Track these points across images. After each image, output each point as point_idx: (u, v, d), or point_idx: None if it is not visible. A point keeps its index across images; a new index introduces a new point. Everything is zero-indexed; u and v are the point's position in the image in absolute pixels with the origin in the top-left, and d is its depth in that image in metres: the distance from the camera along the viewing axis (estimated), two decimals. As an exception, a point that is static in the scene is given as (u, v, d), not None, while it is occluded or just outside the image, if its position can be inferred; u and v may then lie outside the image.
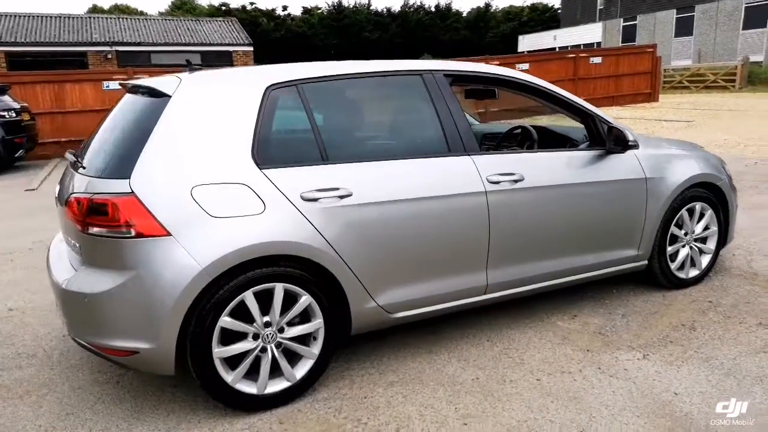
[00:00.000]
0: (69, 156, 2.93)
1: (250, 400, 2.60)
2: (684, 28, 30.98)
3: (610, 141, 3.36)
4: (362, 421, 2.56)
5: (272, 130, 2.66)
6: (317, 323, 2.69)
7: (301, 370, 2.70)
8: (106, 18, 26.38)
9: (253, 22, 41.91)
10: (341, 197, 2.65)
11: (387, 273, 2.82)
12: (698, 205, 3.79)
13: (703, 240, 3.92)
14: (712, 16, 29.27)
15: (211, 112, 2.58)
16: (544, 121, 5.55)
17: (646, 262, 3.68)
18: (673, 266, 3.78)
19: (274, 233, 2.52)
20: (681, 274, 3.83)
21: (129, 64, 22.04)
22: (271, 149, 2.64)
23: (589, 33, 37.20)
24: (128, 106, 2.87)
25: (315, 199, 2.61)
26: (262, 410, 2.64)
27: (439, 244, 2.93)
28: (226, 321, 2.48)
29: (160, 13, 40.77)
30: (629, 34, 34.32)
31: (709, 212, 3.86)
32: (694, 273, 3.89)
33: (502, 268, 3.12)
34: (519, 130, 3.96)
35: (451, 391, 2.76)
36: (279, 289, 2.57)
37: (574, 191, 3.28)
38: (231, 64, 24.70)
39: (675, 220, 3.70)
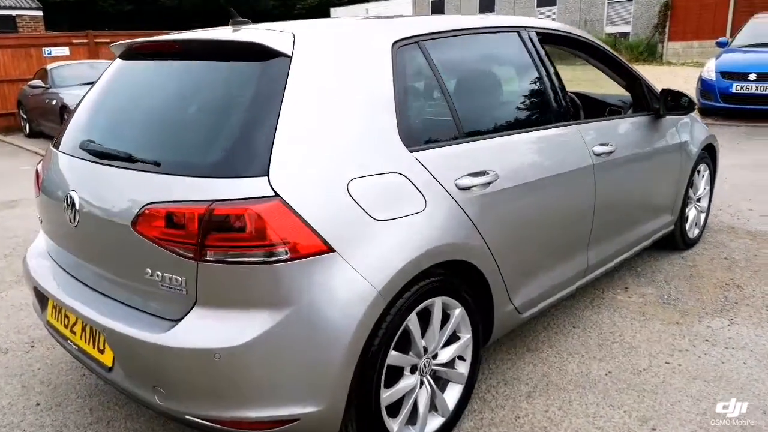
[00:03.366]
0: (86, 146, 1.98)
1: (411, 449, 2.02)
2: (487, 3, 33.40)
3: (663, 106, 3.26)
4: (544, 447, 2.14)
5: (408, 101, 2.04)
6: (467, 339, 2.17)
7: (452, 398, 2.17)
8: None
9: (26, -18, 35.69)
10: (489, 182, 2.15)
11: (522, 267, 2.39)
12: (702, 167, 3.92)
13: (698, 200, 4.08)
14: (510, -7, 31.91)
15: (344, 78, 1.88)
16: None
17: (674, 225, 3.70)
18: (687, 227, 3.88)
19: (442, 235, 1.94)
20: (690, 234, 3.94)
21: None
22: (412, 125, 2.02)
23: (400, 6, 38.34)
24: (180, 70, 2.01)
25: (468, 188, 2.07)
26: (421, 459, 2.08)
27: (560, 226, 2.58)
28: (393, 356, 1.87)
29: None
30: (438, 8, 36.06)
31: (707, 173, 4.02)
32: (697, 232, 4.03)
33: (597, 245, 2.87)
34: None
35: (598, 392, 2.45)
36: (438, 304, 2.01)
37: (647, 158, 3.15)
38: (16, 31, 20.79)
39: (691, 182, 3.78)
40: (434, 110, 2.17)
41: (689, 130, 3.61)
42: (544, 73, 2.56)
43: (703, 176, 3.97)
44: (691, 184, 3.79)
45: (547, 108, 2.56)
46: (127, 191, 1.78)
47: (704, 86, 9.15)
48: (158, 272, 1.69)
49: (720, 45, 9.90)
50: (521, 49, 2.53)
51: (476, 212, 2.08)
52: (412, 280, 1.85)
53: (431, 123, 2.16)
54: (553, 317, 3.10)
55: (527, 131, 2.42)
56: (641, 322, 3.03)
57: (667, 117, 3.39)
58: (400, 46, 2.04)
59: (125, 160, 1.83)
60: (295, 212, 1.62)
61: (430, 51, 2.14)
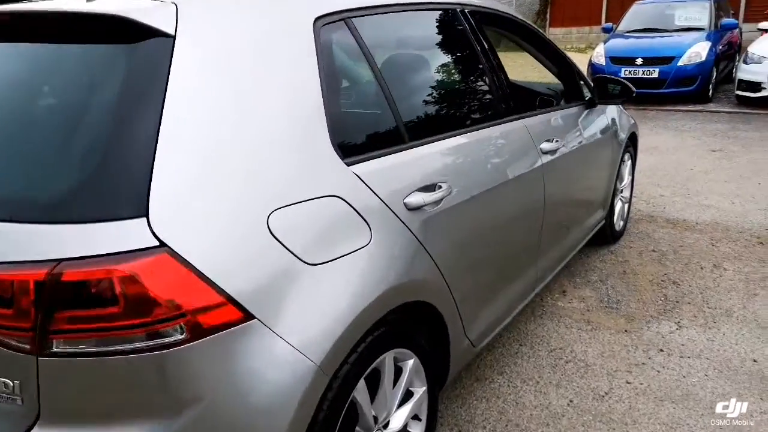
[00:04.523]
0: None
1: None
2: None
3: (598, 94, 3.00)
4: None
5: (339, 97, 1.54)
6: (422, 394, 1.74)
7: (406, 470, 1.74)
8: None
9: None
10: (442, 198, 1.71)
11: (477, 295, 2.00)
12: (626, 156, 3.75)
13: (621, 190, 3.93)
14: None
15: (252, 67, 1.34)
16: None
17: (605, 220, 3.50)
18: (614, 220, 3.70)
19: (394, 273, 1.48)
20: (617, 227, 3.78)
21: None
22: (346, 130, 1.53)
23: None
24: (4, 56, 1.38)
25: (420, 207, 1.62)
26: None
27: (514, 239, 2.22)
28: (338, 441, 1.40)
29: None
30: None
31: (629, 162, 3.87)
32: (622, 224, 3.88)
33: (546, 254, 2.55)
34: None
35: (564, 429, 2.13)
36: (389, 360, 1.56)
37: (586, 152, 2.87)
38: None
39: (618, 173, 3.59)
40: (371, 109, 1.69)
41: (618, 119, 3.41)
42: (490, 59, 2.16)
43: (626, 166, 3.81)
44: (618, 174, 3.61)
45: (496, 101, 2.16)
46: None
47: (594, 71, 9.32)
48: (-24, 371, 1.09)
49: (606, 30, 10.18)
50: (464, 31, 2.11)
51: (429, 237, 1.64)
52: (359, 338, 1.38)
53: (369, 125, 1.68)
54: (495, 335, 2.76)
55: (478, 129, 2.00)
56: (589, 332, 2.76)
57: (599, 106, 3.15)
58: (324, 24, 1.54)
59: None
60: (191, 267, 1.09)
61: (361, 31, 1.65)
